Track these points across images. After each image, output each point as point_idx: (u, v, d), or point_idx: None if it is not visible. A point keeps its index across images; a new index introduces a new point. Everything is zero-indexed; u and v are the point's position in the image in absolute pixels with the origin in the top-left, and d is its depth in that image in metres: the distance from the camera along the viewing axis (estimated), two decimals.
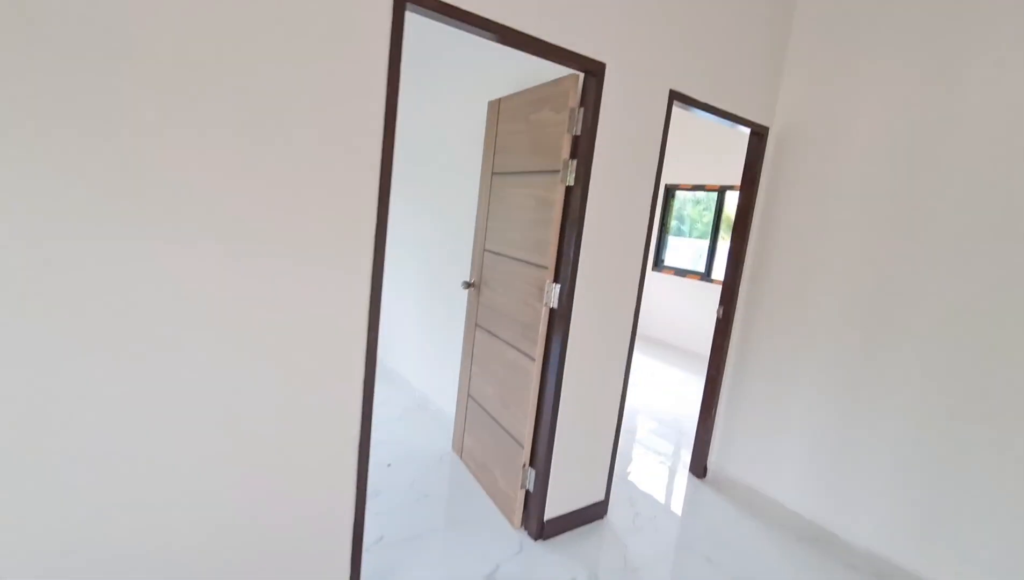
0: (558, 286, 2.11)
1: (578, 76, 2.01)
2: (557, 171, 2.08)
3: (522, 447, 2.28)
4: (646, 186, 2.23)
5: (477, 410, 2.72)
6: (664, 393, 4.59)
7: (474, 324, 2.79)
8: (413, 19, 1.65)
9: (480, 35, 1.71)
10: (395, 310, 4.02)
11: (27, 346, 1.16)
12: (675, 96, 2.21)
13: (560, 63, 1.89)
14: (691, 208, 6.60)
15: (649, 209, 2.26)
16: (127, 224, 1.22)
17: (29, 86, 1.08)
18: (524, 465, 2.27)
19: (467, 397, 2.84)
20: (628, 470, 3.05)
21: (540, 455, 2.23)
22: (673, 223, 6.56)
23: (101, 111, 1.15)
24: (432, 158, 3.55)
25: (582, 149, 2.01)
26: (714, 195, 5.97)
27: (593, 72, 1.95)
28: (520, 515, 2.31)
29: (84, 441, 1.25)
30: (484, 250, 2.70)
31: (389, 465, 2.75)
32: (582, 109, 2.02)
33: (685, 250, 6.55)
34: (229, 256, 1.35)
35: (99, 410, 1.26)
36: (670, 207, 6.45)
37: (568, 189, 2.07)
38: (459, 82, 3.22)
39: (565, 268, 2.09)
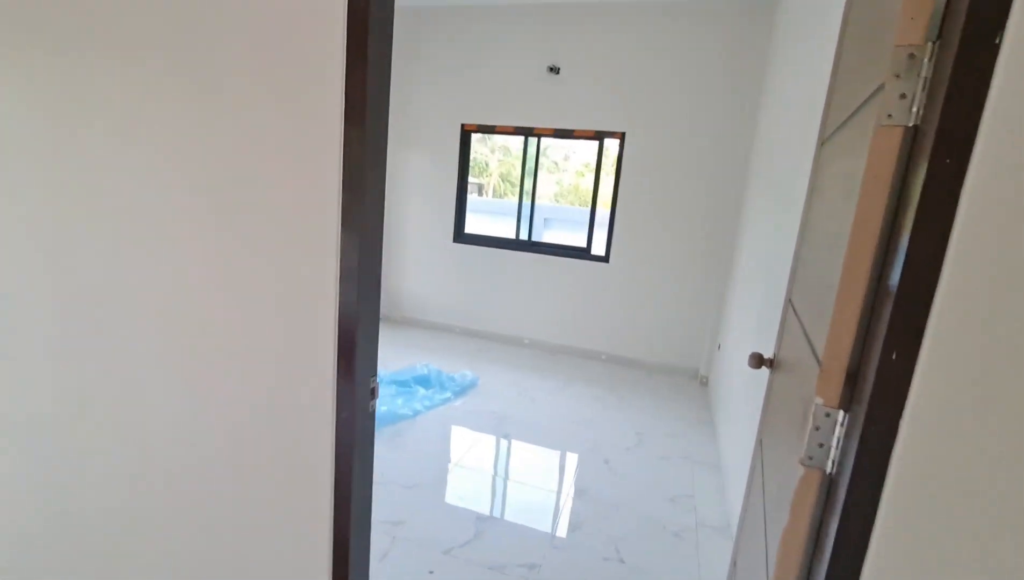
0: (844, 419, 0.73)
1: None
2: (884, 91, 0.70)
3: None
4: None
5: None
6: None
7: (759, 437, 1.47)
8: None
9: None
10: (734, 364, 2.87)
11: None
12: None
13: None
14: None
15: None
16: None
17: None
18: None
19: (737, 552, 1.55)
20: None
21: None
22: None
23: None
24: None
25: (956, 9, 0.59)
26: None
27: None
28: None
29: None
30: (788, 300, 1.36)
31: None
32: None
33: None
34: None
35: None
36: None
37: (908, 134, 0.67)
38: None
39: (868, 375, 0.69)
